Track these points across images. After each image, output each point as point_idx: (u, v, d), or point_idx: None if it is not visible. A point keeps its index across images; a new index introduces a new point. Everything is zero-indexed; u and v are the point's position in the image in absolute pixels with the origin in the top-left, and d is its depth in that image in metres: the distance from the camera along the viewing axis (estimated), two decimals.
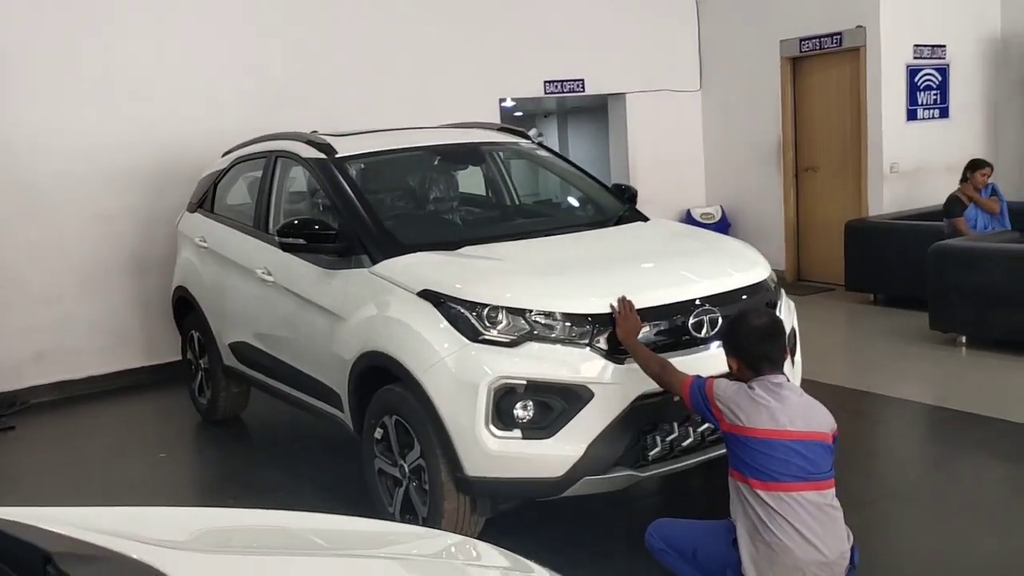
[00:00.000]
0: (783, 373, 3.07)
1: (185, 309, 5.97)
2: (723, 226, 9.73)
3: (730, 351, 3.12)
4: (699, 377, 3.12)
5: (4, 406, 6.40)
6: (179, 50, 7.09)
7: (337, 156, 4.65)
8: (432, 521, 3.65)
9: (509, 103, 10.07)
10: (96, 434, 6.10)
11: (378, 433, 3.92)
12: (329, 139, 4.84)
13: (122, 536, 1.49)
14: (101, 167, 6.83)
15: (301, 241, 4.25)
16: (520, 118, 15.30)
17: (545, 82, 9.08)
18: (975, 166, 7.71)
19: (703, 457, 3.67)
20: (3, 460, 5.77)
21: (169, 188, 6.90)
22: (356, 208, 4.34)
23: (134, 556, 1.36)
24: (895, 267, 7.74)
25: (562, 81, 9.16)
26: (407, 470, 3.78)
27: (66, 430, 6.20)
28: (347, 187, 4.47)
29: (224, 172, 5.77)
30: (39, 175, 6.61)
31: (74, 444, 5.91)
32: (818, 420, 2.97)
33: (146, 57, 6.97)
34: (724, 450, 3.12)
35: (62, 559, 1.31)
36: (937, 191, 8.13)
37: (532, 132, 5.90)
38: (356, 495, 4.23)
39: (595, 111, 12.82)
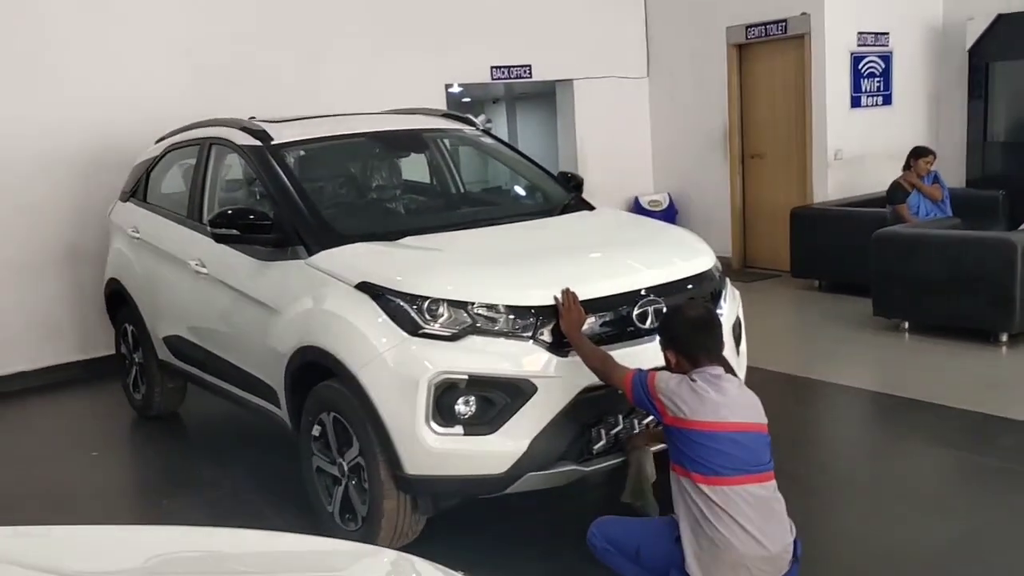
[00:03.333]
0: (721, 364, 3.02)
1: (118, 302, 5.76)
2: (670, 213, 9.73)
3: (667, 344, 3.06)
4: (640, 370, 3.06)
5: None
6: (111, 32, 6.82)
7: (273, 143, 4.49)
8: (372, 521, 3.55)
9: (456, 89, 9.93)
10: (27, 432, 5.88)
11: (316, 430, 3.80)
12: (265, 126, 4.68)
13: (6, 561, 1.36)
14: (28, 153, 6.54)
15: (234, 232, 4.10)
16: (468, 104, 15.14)
17: (492, 67, 8.96)
18: (918, 153, 7.79)
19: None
20: None
21: (101, 175, 6.64)
22: (292, 197, 4.19)
23: None
24: (839, 253, 7.79)
25: (509, 67, 9.05)
26: (346, 468, 3.67)
27: None
28: (283, 175, 4.31)
29: (157, 160, 5.57)
30: None
31: (4, 442, 5.68)
32: (756, 411, 2.94)
33: (76, 39, 6.69)
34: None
35: None
36: (880, 178, 8.20)
37: (480, 119, 5.77)
38: (295, 494, 4.11)
39: (543, 98, 12.71)
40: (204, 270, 4.58)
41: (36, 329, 6.72)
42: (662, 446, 3.33)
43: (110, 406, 6.06)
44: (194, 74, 7.10)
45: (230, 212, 4.19)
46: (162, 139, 5.67)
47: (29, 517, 4.37)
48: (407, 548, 3.55)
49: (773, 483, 2.91)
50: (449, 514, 3.71)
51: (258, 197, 4.72)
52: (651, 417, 3.45)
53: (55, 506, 4.57)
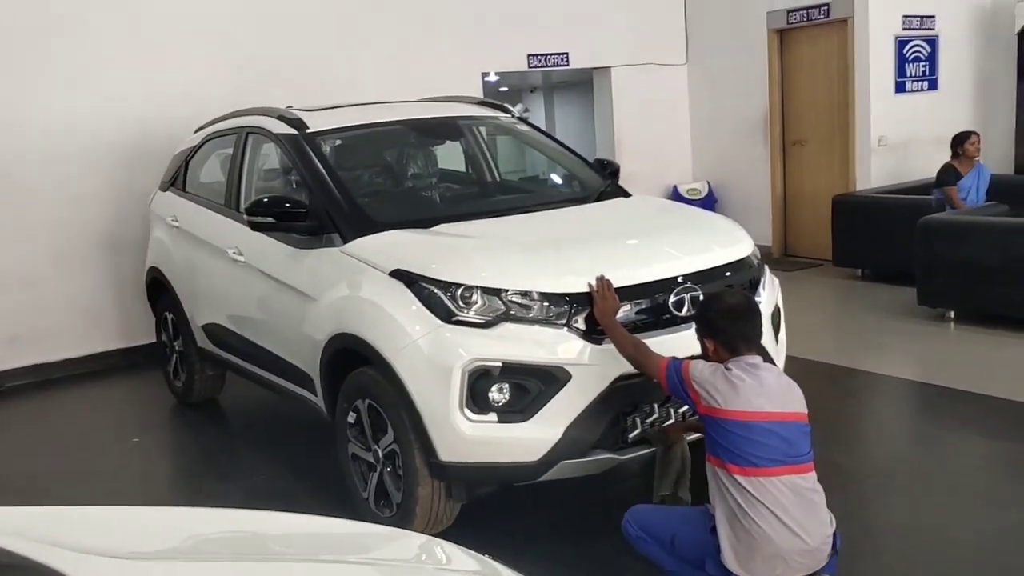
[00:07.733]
0: (759, 353, 2.96)
1: (158, 290, 5.83)
2: (709, 202, 9.61)
3: (705, 332, 3.01)
4: (675, 359, 3.02)
5: None
6: (151, 24, 6.89)
7: (308, 131, 4.50)
8: (406, 507, 3.55)
9: (493, 78, 9.89)
10: (70, 418, 5.97)
11: (351, 417, 3.81)
12: (301, 114, 4.69)
13: (47, 541, 1.37)
14: (70, 145, 6.63)
15: (270, 219, 4.12)
16: (506, 93, 15.09)
17: (529, 55, 8.91)
18: (961, 138, 7.58)
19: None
20: None
21: (142, 165, 6.72)
22: (327, 185, 4.20)
23: (52, 565, 1.24)
24: (883, 242, 7.65)
25: (546, 55, 8.99)
26: (380, 455, 3.68)
27: (40, 414, 6.07)
28: (318, 163, 4.32)
29: (196, 149, 5.62)
30: (6, 154, 6.42)
31: (47, 428, 5.77)
32: (795, 400, 2.88)
33: (117, 32, 6.76)
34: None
35: None
36: (926, 164, 8.03)
37: (518, 108, 5.74)
38: (332, 480, 4.13)
39: (581, 86, 12.64)
40: (241, 258, 4.62)
41: (80, 317, 6.84)
42: (699, 435, 3.29)
43: (151, 393, 6.14)
44: (233, 66, 7.14)
45: (266, 200, 4.20)
46: (200, 128, 5.72)
47: (70, 501, 4.44)
48: (441, 534, 3.55)
49: (813, 474, 2.84)
50: (483, 501, 3.70)
51: (294, 185, 4.73)
52: (686, 406, 3.42)
53: (96, 491, 4.63)
